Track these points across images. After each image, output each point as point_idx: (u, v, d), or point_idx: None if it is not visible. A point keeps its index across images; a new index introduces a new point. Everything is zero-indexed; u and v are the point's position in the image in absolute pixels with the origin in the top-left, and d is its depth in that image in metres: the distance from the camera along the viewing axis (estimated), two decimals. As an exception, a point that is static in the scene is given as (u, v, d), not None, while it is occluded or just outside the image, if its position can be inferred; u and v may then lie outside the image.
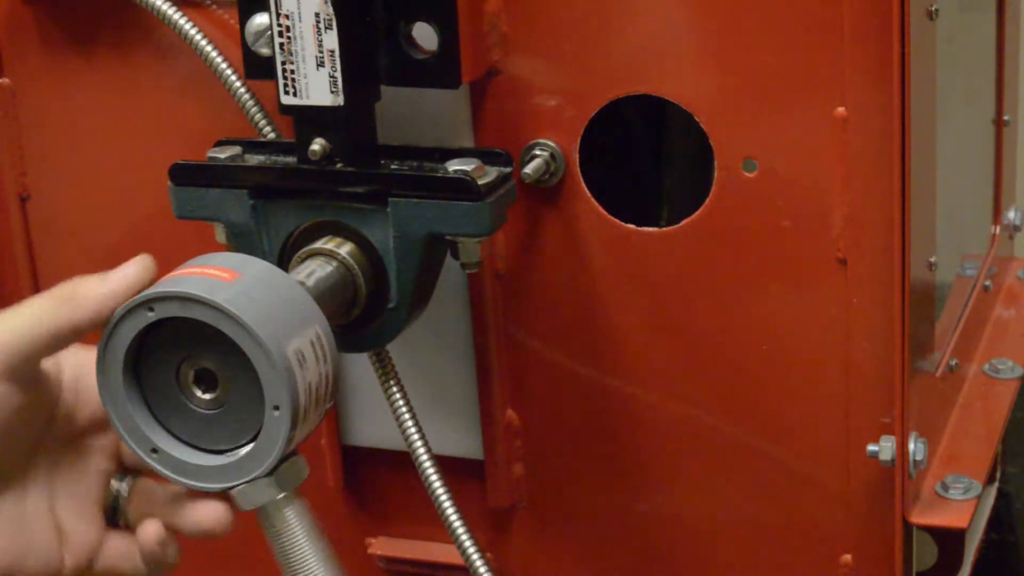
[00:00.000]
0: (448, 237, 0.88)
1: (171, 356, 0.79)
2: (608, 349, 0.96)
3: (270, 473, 0.79)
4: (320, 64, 0.86)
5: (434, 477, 0.93)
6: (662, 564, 1.00)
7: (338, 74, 0.86)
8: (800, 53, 0.87)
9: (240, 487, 0.79)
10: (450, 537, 0.93)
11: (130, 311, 0.77)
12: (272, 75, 0.88)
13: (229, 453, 0.80)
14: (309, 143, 0.88)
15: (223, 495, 0.80)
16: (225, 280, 0.77)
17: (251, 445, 0.79)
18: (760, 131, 0.89)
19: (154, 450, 0.80)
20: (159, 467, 0.80)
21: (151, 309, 0.77)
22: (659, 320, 0.95)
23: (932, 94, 0.93)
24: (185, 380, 0.80)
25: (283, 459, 0.79)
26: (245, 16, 0.89)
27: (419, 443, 0.93)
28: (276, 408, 0.77)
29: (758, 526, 0.97)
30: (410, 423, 0.93)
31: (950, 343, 1.05)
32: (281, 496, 0.80)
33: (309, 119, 0.88)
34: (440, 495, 0.93)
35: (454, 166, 0.87)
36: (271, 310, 0.77)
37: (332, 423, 1.03)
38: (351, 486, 1.06)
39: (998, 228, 1.24)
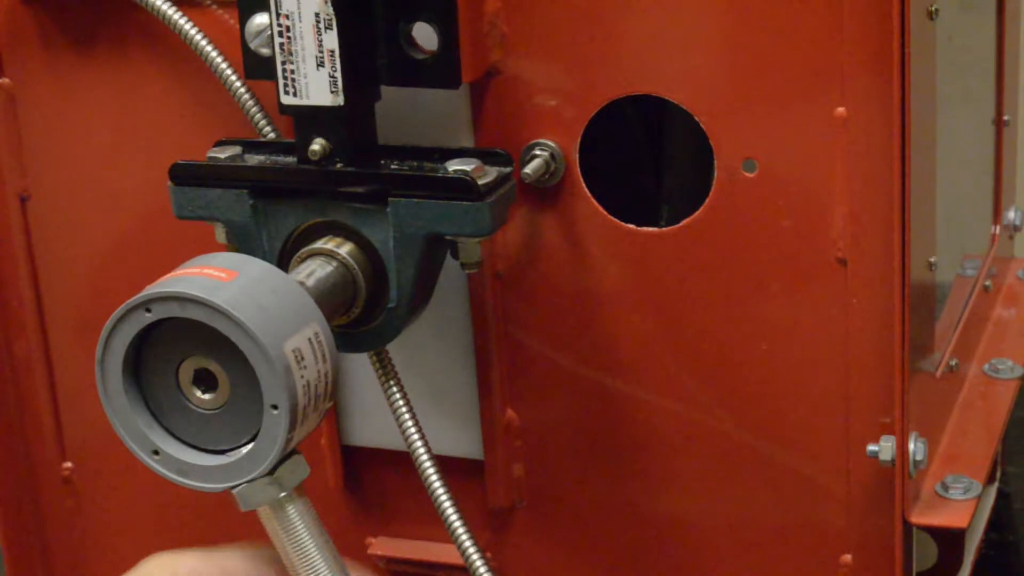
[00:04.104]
0: (448, 237, 0.88)
1: (170, 356, 0.79)
2: (608, 349, 0.96)
3: (271, 472, 0.79)
4: (320, 64, 0.86)
5: (434, 477, 0.93)
6: (662, 564, 1.00)
7: (338, 74, 0.86)
8: (800, 53, 0.87)
9: (241, 487, 0.79)
10: (450, 537, 0.93)
11: (128, 312, 0.77)
12: (272, 75, 0.88)
13: (229, 453, 0.80)
14: (309, 143, 0.88)
15: None
16: (223, 280, 0.77)
17: (251, 445, 0.79)
18: (760, 131, 0.89)
19: (155, 452, 0.80)
20: (161, 469, 0.80)
21: (148, 310, 0.77)
22: (659, 320, 0.95)
23: (932, 94, 0.93)
24: (185, 380, 0.80)
25: (283, 458, 0.79)
26: (245, 16, 0.89)
27: (419, 443, 0.93)
28: (275, 407, 0.77)
29: (758, 526, 0.97)
30: (410, 423, 0.93)
31: (950, 343, 1.05)
32: (283, 495, 0.80)
33: (309, 119, 0.88)
34: (440, 495, 0.93)
35: (454, 166, 0.87)
36: (269, 309, 0.77)
37: (332, 423, 1.03)
38: (351, 486, 1.06)
39: (998, 228, 1.24)
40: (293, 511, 0.80)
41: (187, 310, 0.76)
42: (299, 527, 0.81)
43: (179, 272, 0.79)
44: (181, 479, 0.80)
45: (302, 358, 0.77)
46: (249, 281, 0.78)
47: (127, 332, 0.78)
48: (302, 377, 0.77)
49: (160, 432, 0.80)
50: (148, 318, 0.77)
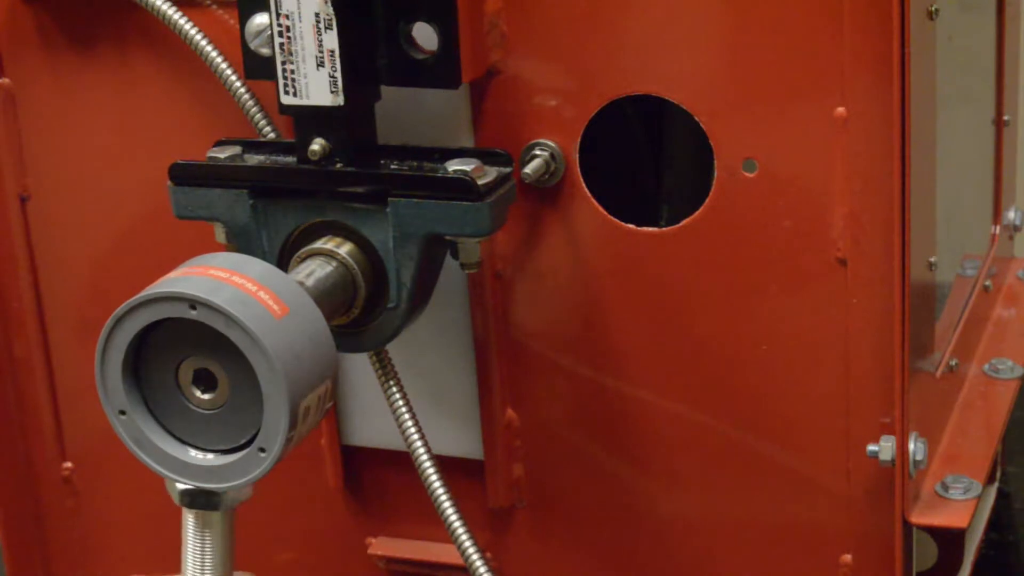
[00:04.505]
0: (448, 237, 0.88)
1: (172, 355, 0.80)
2: (608, 349, 0.96)
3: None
4: (320, 64, 0.86)
5: (434, 477, 0.93)
6: (662, 564, 1.00)
7: (338, 74, 0.86)
8: (800, 53, 0.87)
9: (188, 487, 0.80)
10: (450, 537, 0.93)
11: (168, 299, 0.77)
12: (272, 75, 0.88)
13: (205, 454, 0.80)
14: (309, 143, 0.88)
15: None
16: (275, 315, 0.77)
17: (226, 459, 0.79)
18: (760, 131, 0.89)
19: (122, 412, 0.80)
20: (122, 431, 0.80)
21: (194, 307, 0.77)
22: (659, 320, 0.95)
23: (932, 94, 0.93)
24: (184, 379, 0.80)
25: None
26: (245, 16, 0.89)
27: (419, 443, 0.93)
28: (262, 451, 0.78)
29: (758, 526, 0.97)
30: (410, 423, 0.93)
31: (950, 343, 1.05)
32: (218, 512, 0.81)
33: (309, 119, 0.88)
34: (440, 495, 0.93)
35: (454, 166, 0.87)
36: (304, 364, 0.78)
37: (332, 423, 1.03)
38: (351, 486, 1.06)
39: (998, 228, 1.24)
40: (218, 527, 0.81)
41: (232, 330, 0.76)
42: (210, 544, 0.82)
43: (218, 274, 0.79)
44: (137, 450, 0.80)
45: (308, 415, 0.78)
46: (297, 327, 0.78)
47: (150, 317, 0.78)
48: (299, 432, 0.79)
49: (149, 419, 0.81)
50: (192, 315, 0.77)
